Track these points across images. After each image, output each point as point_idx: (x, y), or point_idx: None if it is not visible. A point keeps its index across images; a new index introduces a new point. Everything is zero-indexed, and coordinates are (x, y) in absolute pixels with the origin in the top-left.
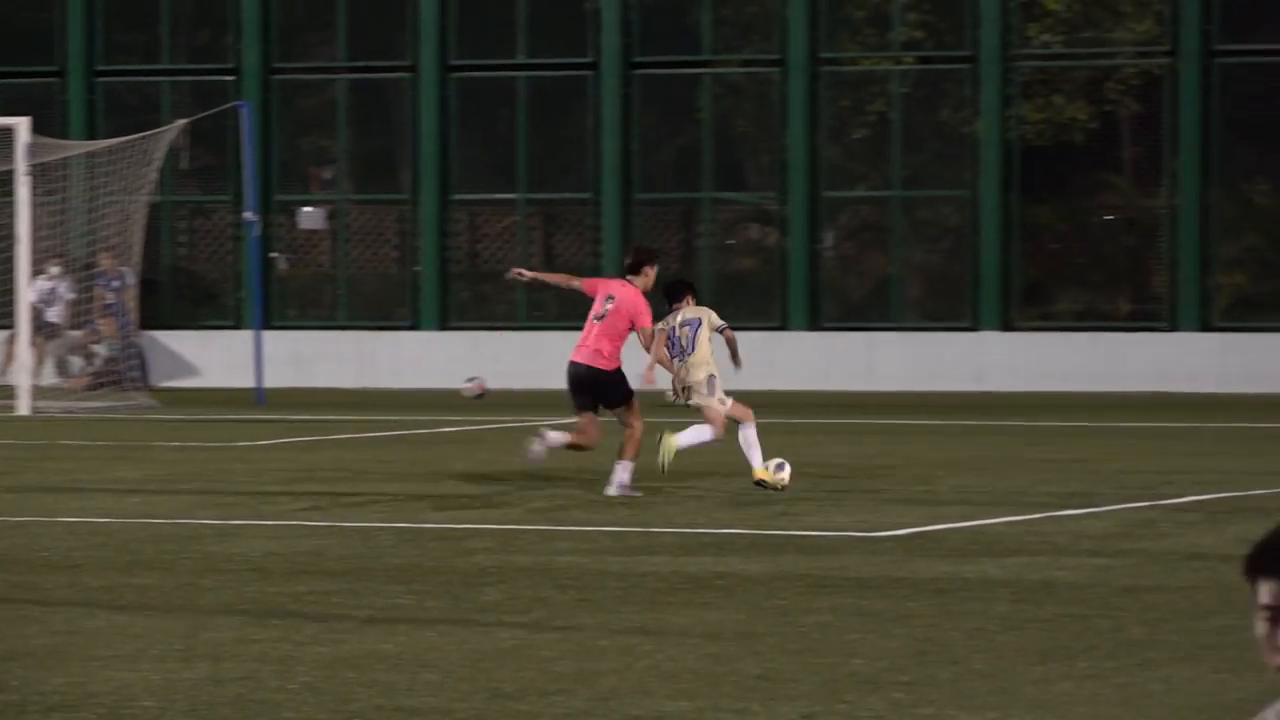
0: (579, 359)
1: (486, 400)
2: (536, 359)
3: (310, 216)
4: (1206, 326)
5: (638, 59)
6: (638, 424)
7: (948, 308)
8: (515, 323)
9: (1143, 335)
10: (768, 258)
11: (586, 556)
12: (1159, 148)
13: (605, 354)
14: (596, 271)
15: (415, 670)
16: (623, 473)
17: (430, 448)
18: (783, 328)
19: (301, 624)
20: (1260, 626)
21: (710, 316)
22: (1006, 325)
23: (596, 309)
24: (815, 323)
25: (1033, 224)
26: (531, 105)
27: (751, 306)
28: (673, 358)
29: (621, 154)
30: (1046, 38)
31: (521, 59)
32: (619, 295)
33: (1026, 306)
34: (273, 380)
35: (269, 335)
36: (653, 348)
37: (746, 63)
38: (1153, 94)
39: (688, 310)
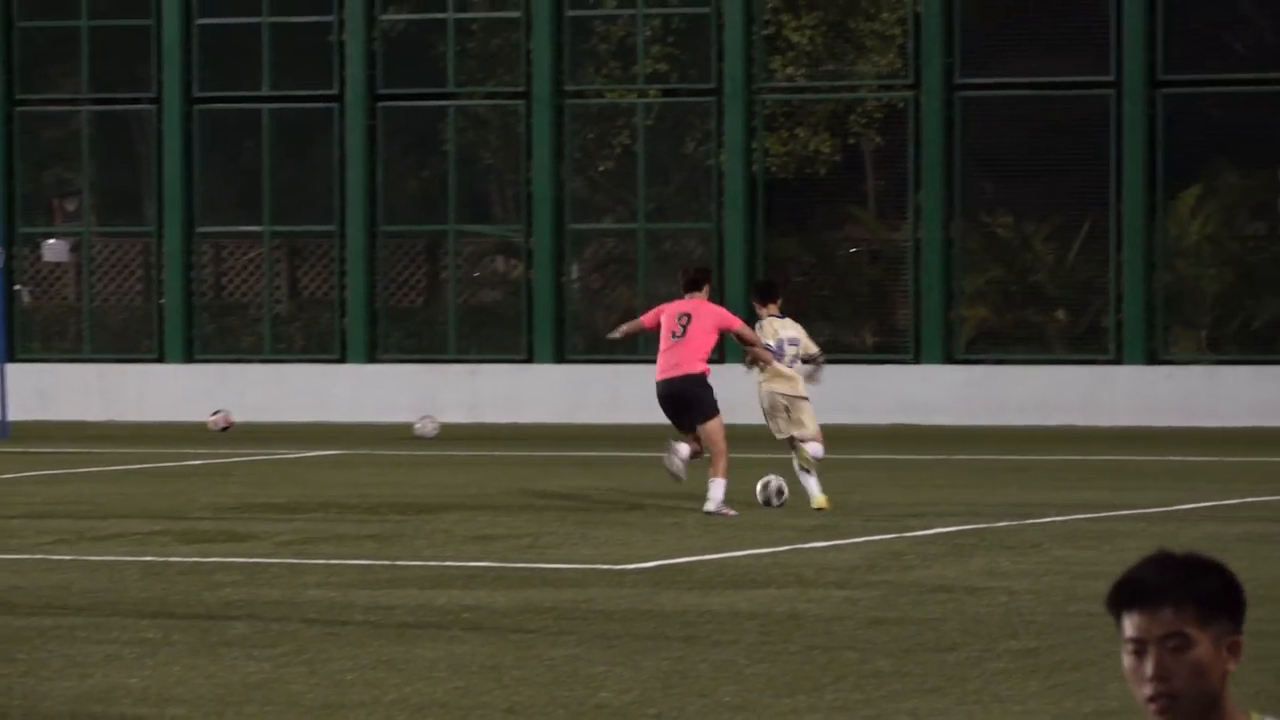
0: (669, 375)
1: (232, 433)
2: (281, 392)
3: (54, 249)
4: (950, 359)
5: (382, 91)
6: (723, 441)
7: None
8: (261, 355)
9: (887, 368)
10: (514, 290)
11: (334, 590)
12: (902, 180)
13: (693, 362)
14: (342, 304)
15: (162, 705)
16: (717, 490)
17: (176, 481)
18: (529, 360)
19: (47, 659)
20: (1126, 660)
21: (805, 341)
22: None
23: (671, 328)
24: (562, 355)
25: (778, 256)
26: (276, 137)
27: (497, 339)
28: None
29: (366, 186)
30: (790, 70)
31: (266, 91)
32: (695, 309)
33: None
34: (17, 413)
35: (13, 368)
36: (753, 342)
37: (491, 95)
38: (896, 127)
39: (790, 327)
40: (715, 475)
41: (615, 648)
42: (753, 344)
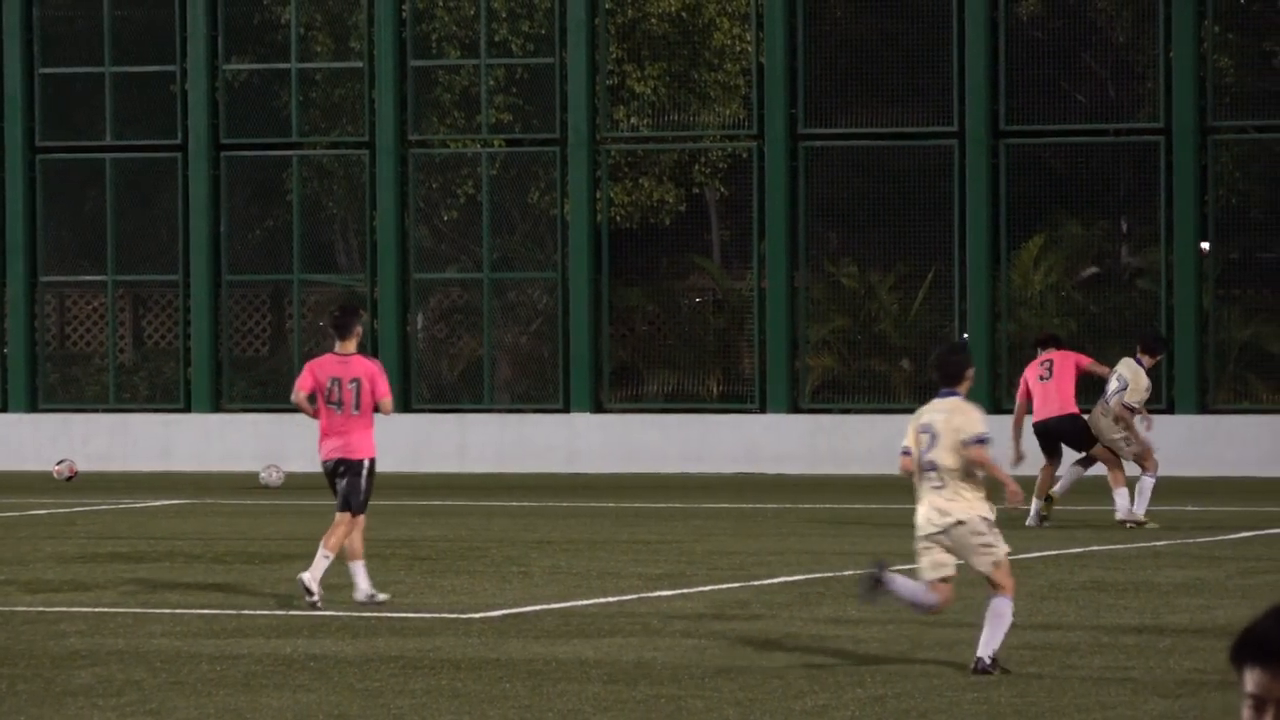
0: (1049, 415)
1: (76, 482)
2: (126, 441)
3: None
4: (795, 408)
5: (226, 140)
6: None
7: (539, 389)
8: (105, 405)
9: (732, 417)
10: (359, 340)
11: (180, 639)
12: (747, 230)
13: (1069, 400)
14: (187, 353)
15: None
16: (1123, 499)
17: (20, 530)
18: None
19: None
20: (1246, 714)
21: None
22: (597, 407)
23: (1039, 373)
24: (408, 404)
25: (622, 306)
26: (120, 186)
27: None
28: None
29: (210, 235)
30: (634, 121)
31: (109, 140)
32: (1055, 355)
33: (616, 388)
34: None
35: None
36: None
37: (335, 145)
38: (740, 177)
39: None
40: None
41: (461, 697)
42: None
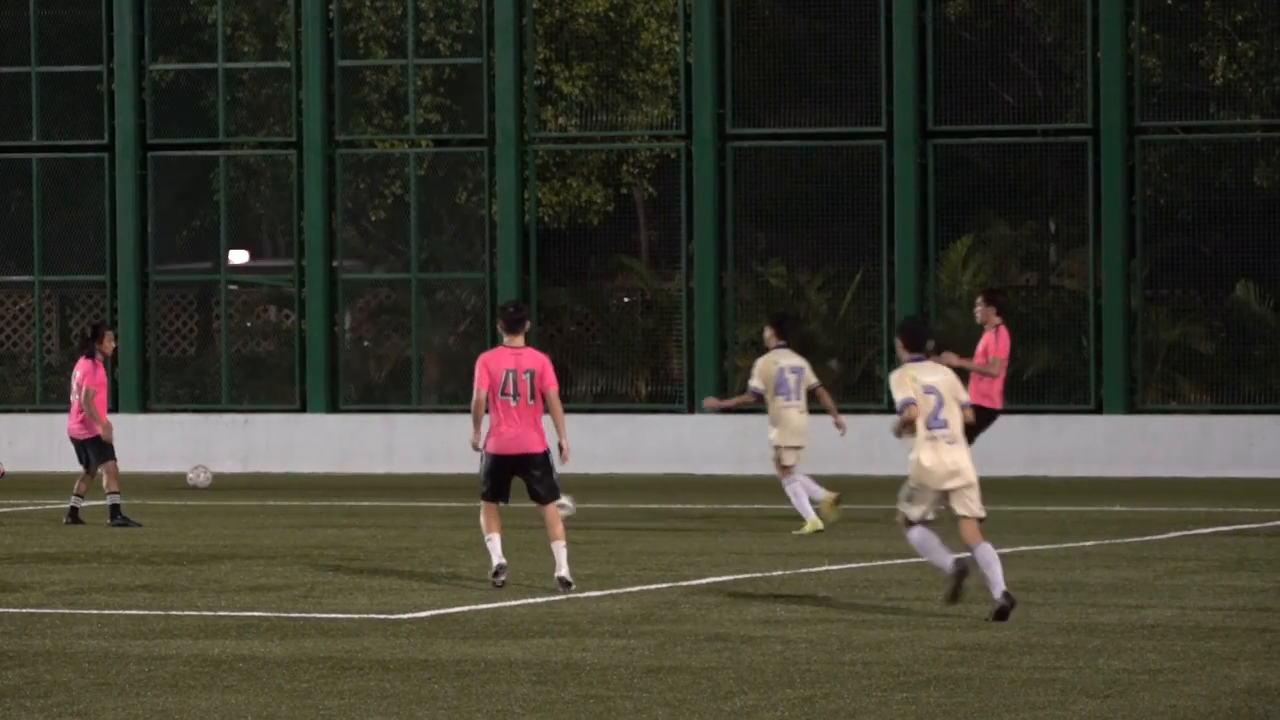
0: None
1: (2, 483)
2: (53, 442)
3: None
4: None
5: (153, 140)
6: None
7: (467, 390)
8: (31, 405)
9: (661, 417)
10: (286, 340)
11: (108, 640)
12: (675, 231)
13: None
14: (114, 354)
15: None
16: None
17: None
18: (302, 410)
19: None
20: None
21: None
22: None
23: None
24: (334, 405)
25: (551, 306)
26: (46, 187)
27: (270, 389)
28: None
29: (138, 235)
30: (561, 121)
31: (36, 140)
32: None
33: None
34: None
35: None
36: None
37: (262, 145)
38: (668, 177)
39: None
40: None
41: (390, 697)
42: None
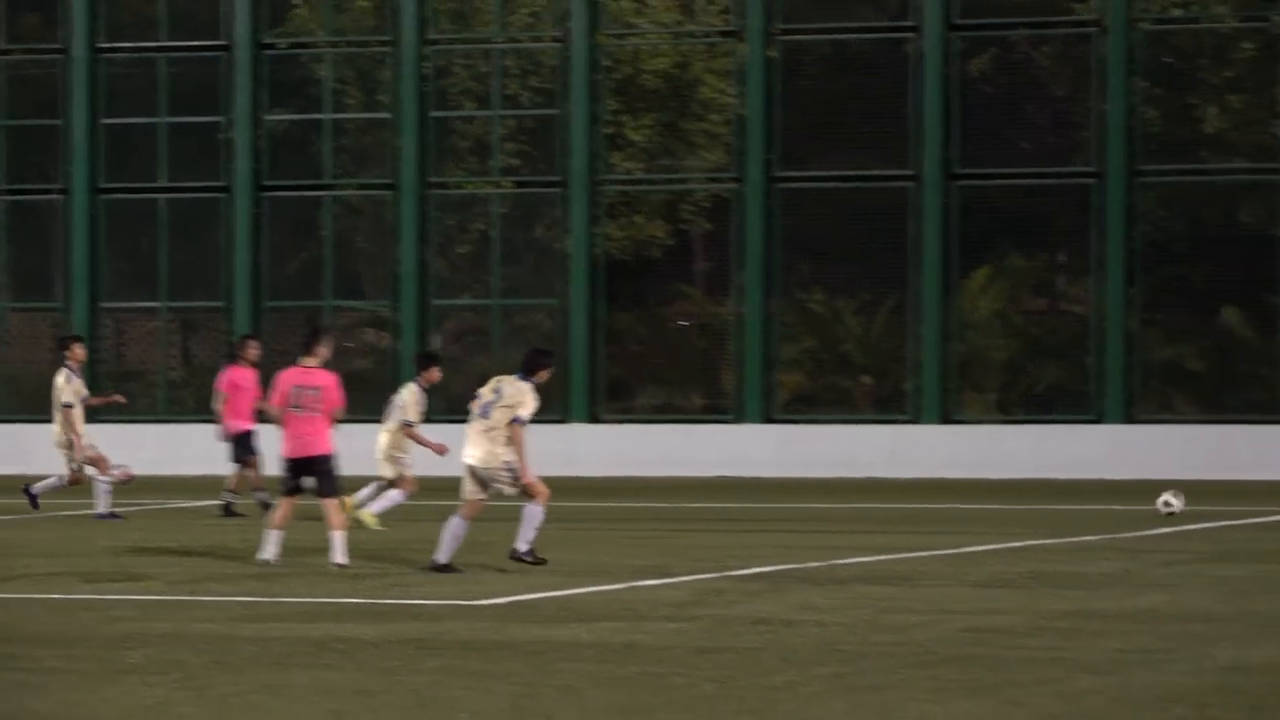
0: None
1: (131, 485)
2: (174, 449)
3: None
4: (768, 419)
5: (266, 182)
6: None
7: (543, 403)
8: (156, 416)
9: (713, 427)
10: (382, 359)
11: (221, 624)
12: (727, 262)
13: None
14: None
15: None
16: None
17: (79, 527)
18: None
19: None
20: None
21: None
22: (593, 418)
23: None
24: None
25: (616, 329)
26: (172, 223)
27: (366, 403)
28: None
29: (252, 266)
30: (629, 165)
31: (163, 183)
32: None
33: (611, 402)
34: None
35: None
36: None
37: (363, 186)
38: (722, 215)
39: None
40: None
41: (470, 675)
42: None
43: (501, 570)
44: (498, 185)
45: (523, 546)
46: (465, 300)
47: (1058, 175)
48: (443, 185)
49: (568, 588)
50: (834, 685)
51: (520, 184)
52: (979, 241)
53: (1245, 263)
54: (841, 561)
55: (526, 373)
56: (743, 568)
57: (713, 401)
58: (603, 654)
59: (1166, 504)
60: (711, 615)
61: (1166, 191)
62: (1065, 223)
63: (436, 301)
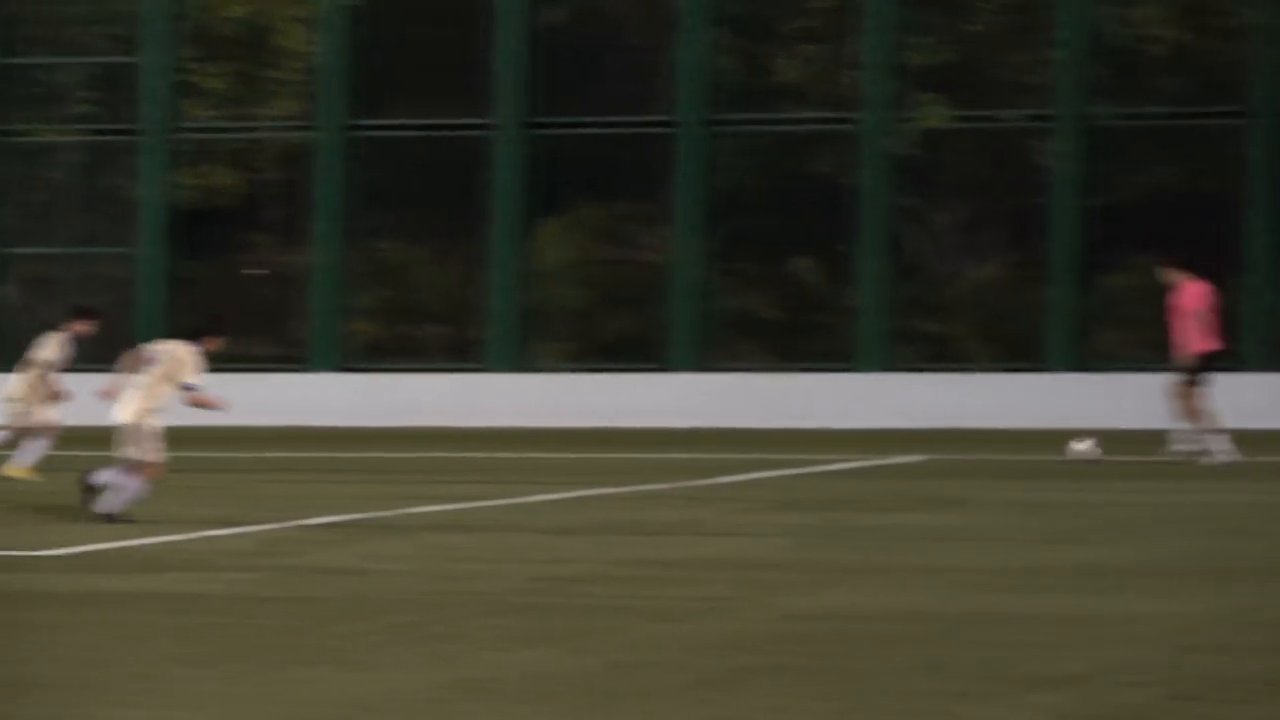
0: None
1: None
2: None
3: None
4: (341, 368)
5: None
6: None
7: (111, 351)
8: None
9: (285, 375)
10: None
11: None
12: (302, 211)
13: None
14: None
15: None
16: None
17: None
18: None
19: None
20: None
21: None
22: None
23: None
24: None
25: (187, 278)
26: None
27: None
28: None
29: None
30: (205, 113)
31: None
32: None
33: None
34: None
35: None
36: None
37: None
38: (298, 164)
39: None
40: None
41: (36, 627)
42: None
43: (68, 521)
44: (71, 134)
45: (113, 510)
46: (36, 249)
47: (635, 125)
48: (14, 134)
49: (135, 538)
50: (403, 634)
51: (95, 132)
52: (556, 191)
53: (817, 212)
54: (412, 510)
55: (192, 338)
56: (313, 517)
57: (285, 350)
58: (169, 604)
59: (1077, 450)
60: (281, 565)
61: (742, 142)
62: (642, 172)
63: (5, 250)
